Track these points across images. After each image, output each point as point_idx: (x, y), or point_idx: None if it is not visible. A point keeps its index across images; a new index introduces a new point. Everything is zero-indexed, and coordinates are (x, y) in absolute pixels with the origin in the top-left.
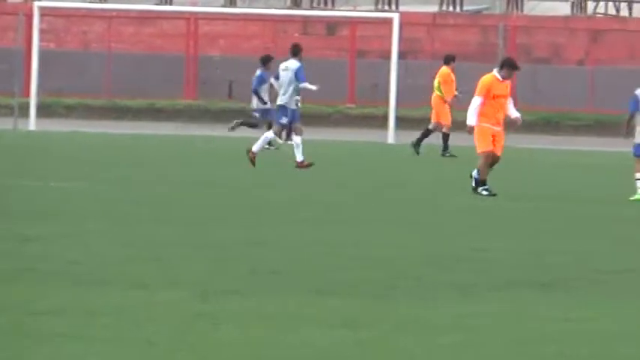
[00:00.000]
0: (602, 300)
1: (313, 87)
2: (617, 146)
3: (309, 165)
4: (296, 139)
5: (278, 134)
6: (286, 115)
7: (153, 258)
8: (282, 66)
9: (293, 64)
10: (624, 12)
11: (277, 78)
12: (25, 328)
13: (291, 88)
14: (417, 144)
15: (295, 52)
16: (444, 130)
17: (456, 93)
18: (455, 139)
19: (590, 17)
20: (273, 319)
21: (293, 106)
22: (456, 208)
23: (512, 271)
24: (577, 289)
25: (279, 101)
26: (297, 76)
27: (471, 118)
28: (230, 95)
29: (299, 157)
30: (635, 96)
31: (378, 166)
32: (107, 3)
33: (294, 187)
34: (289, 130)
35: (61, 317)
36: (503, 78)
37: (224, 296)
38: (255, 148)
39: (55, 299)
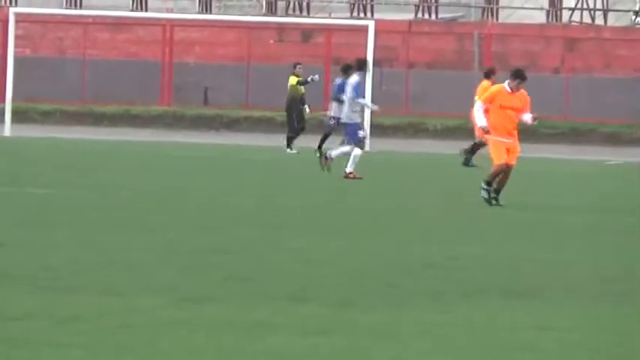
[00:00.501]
0: (578, 309)
1: (371, 106)
2: (593, 154)
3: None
4: (355, 151)
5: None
6: (361, 129)
7: (126, 264)
8: (339, 81)
9: (353, 78)
10: (599, 20)
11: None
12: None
13: (353, 102)
14: (466, 163)
15: (360, 66)
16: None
17: None
18: None
19: (565, 25)
20: (247, 326)
21: (356, 119)
22: (432, 215)
23: (485, 278)
24: (552, 298)
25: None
26: (355, 90)
27: (480, 120)
28: (205, 102)
29: (349, 168)
30: None
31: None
32: (83, 9)
33: (263, 194)
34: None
35: (36, 323)
36: (512, 89)
37: (198, 303)
38: (333, 153)
39: (28, 305)
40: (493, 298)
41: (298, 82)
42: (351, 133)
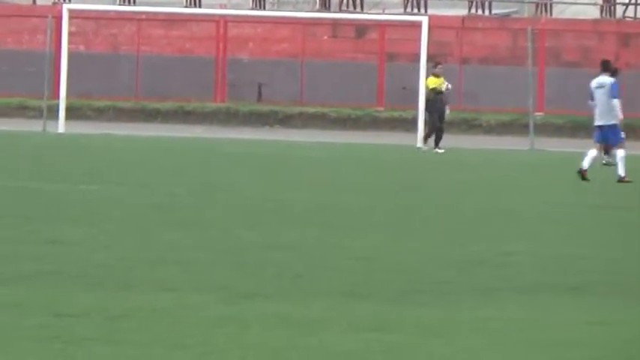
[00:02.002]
0: (629, 304)
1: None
2: None
3: (629, 181)
4: (619, 153)
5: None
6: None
7: (178, 261)
8: (595, 83)
9: (607, 79)
10: None
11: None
12: (52, 331)
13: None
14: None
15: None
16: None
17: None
18: None
19: (619, 21)
20: (299, 322)
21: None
22: (481, 211)
23: (536, 275)
24: (603, 294)
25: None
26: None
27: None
28: (259, 98)
29: (621, 172)
30: None
31: (406, 169)
32: (136, 5)
33: (312, 191)
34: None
35: (89, 320)
36: None
37: (251, 300)
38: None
39: (81, 302)
40: (544, 295)
41: (434, 90)
42: (612, 135)
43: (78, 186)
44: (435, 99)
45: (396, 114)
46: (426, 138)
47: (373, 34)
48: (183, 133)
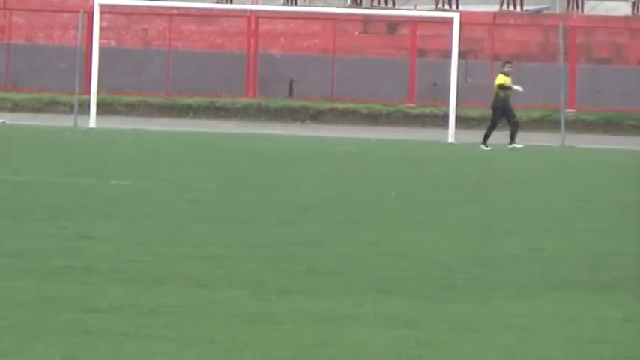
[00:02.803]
0: None
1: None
2: None
3: None
4: None
5: None
6: None
7: (210, 257)
8: None
9: None
10: None
11: None
12: (84, 326)
13: None
14: None
15: None
16: None
17: None
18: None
19: None
20: (330, 318)
21: None
22: (512, 207)
23: (568, 271)
24: (635, 291)
25: None
26: None
27: None
28: (290, 93)
29: None
30: None
31: (437, 165)
32: (168, 1)
33: (346, 186)
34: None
35: (120, 315)
36: None
37: (282, 295)
38: None
39: (113, 297)
40: (576, 291)
41: (500, 87)
42: None
43: (109, 181)
44: (504, 97)
45: (427, 110)
46: (485, 137)
47: (404, 30)
48: (214, 129)
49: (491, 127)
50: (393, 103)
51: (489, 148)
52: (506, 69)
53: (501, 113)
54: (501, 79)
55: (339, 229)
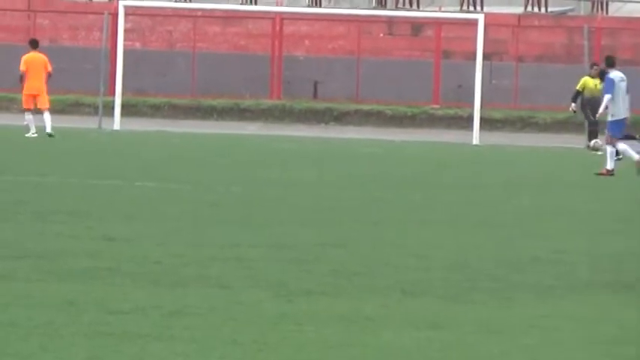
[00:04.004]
0: None
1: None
2: None
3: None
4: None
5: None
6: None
7: (233, 259)
8: (619, 77)
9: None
10: None
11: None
12: (108, 328)
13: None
14: None
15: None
16: None
17: None
18: None
19: None
20: (354, 319)
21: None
22: (536, 209)
23: (591, 272)
24: None
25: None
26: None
27: None
28: (315, 95)
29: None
30: None
31: (461, 167)
32: (192, 2)
33: (370, 188)
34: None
35: (144, 317)
36: None
37: (306, 297)
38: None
39: (137, 299)
40: (599, 292)
41: (576, 92)
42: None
43: (134, 183)
44: (591, 99)
45: (451, 112)
46: (589, 137)
47: (429, 32)
48: (239, 130)
49: (592, 125)
50: (417, 104)
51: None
52: (592, 71)
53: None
54: (588, 82)
55: (363, 230)
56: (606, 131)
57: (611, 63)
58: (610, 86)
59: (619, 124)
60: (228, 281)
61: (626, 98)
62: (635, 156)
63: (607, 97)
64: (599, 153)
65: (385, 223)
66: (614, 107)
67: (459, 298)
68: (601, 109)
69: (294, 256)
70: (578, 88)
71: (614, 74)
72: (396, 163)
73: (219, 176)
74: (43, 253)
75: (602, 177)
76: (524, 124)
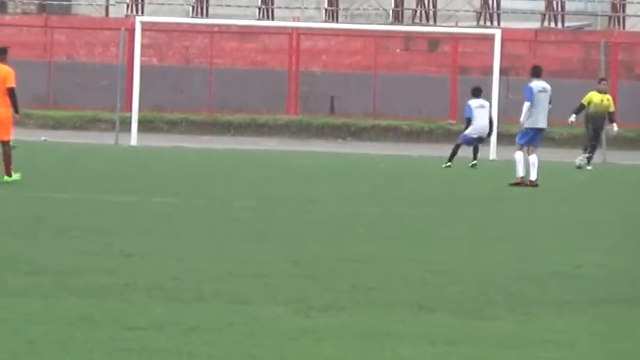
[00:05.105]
0: None
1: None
2: None
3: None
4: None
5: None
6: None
7: (252, 274)
8: (540, 87)
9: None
10: None
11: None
12: (126, 344)
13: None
14: None
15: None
16: None
17: None
18: None
19: None
20: (373, 335)
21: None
22: (552, 223)
23: (609, 287)
24: None
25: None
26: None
27: None
28: (332, 110)
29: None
30: None
31: (478, 182)
32: (209, 18)
33: (387, 203)
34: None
35: (162, 333)
36: None
37: (325, 312)
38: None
39: (154, 315)
40: (618, 307)
41: (580, 105)
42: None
43: (151, 198)
44: (594, 115)
45: None
46: (590, 150)
47: (446, 47)
48: (256, 146)
49: (594, 140)
50: (434, 120)
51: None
52: (601, 86)
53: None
54: (594, 96)
55: (380, 245)
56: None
57: (535, 73)
58: (528, 94)
59: (528, 132)
60: (246, 297)
61: (545, 109)
62: (519, 174)
63: (526, 104)
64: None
65: (402, 239)
66: (530, 116)
67: (475, 313)
68: (521, 118)
69: (311, 272)
70: (583, 101)
71: (535, 83)
72: (413, 179)
73: (237, 192)
74: (61, 269)
75: (520, 186)
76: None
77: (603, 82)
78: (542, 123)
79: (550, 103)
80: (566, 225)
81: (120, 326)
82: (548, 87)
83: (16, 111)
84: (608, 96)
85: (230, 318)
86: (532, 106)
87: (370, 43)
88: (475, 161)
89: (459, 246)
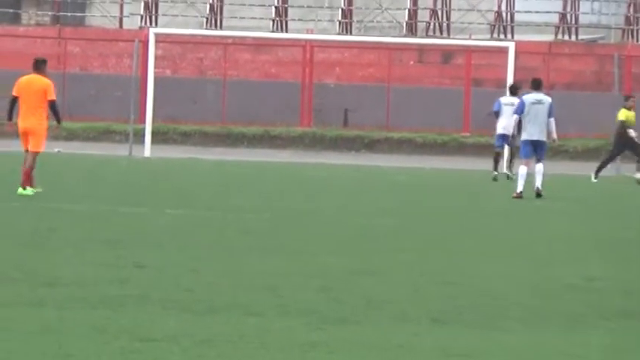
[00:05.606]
0: None
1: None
2: None
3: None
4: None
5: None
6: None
7: (264, 286)
8: (532, 99)
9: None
10: None
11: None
12: (139, 355)
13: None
14: None
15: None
16: None
17: None
18: None
19: None
20: (386, 348)
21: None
22: (567, 236)
23: (623, 300)
24: None
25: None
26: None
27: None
28: (345, 123)
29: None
30: None
31: (491, 194)
32: (223, 30)
33: (401, 215)
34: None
35: (175, 344)
36: None
37: (338, 325)
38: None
39: (167, 326)
40: (631, 321)
41: (624, 123)
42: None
43: (164, 210)
44: (624, 133)
45: (482, 140)
46: (598, 169)
47: (459, 60)
48: (269, 158)
49: (609, 160)
50: (447, 132)
51: (596, 181)
52: (629, 103)
53: (624, 146)
54: (623, 114)
55: (393, 258)
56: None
57: (533, 86)
58: (518, 108)
59: (525, 145)
60: (259, 309)
61: (541, 121)
62: (519, 188)
63: (514, 117)
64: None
65: (415, 251)
66: (524, 129)
67: (488, 326)
68: (511, 130)
69: (324, 284)
70: (622, 119)
71: (529, 96)
72: (426, 191)
73: (250, 204)
74: (74, 280)
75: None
76: (555, 152)
77: (631, 99)
78: (536, 135)
79: (551, 115)
80: (580, 238)
81: (133, 338)
82: (547, 99)
83: (59, 122)
84: (633, 112)
85: (242, 330)
86: (525, 118)
87: (384, 55)
88: (509, 172)
89: (472, 259)
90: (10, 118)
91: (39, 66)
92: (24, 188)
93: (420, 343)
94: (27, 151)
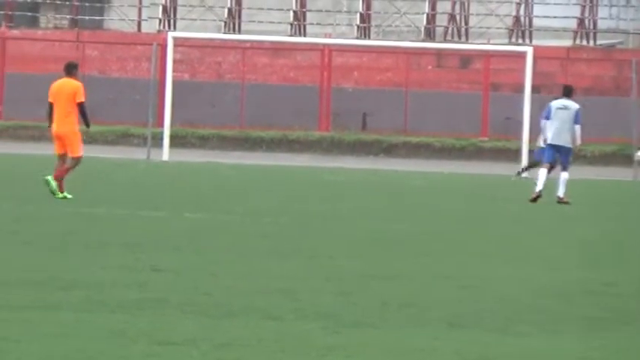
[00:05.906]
0: None
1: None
2: None
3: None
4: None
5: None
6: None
7: (282, 290)
8: (559, 105)
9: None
10: None
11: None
12: (158, 358)
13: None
14: None
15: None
16: None
17: None
18: None
19: None
20: (404, 352)
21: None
22: (584, 240)
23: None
24: None
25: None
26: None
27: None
28: (364, 127)
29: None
30: None
31: (509, 199)
32: (241, 34)
33: (416, 220)
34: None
35: (194, 348)
36: None
37: (355, 328)
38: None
39: (186, 330)
40: None
41: None
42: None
43: (183, 214)
44: None
45: (500, 144)
46: None
47: (477, 64)
48: (287, 162)
49: None
50: (465, 137)
51: None
52: None
53: None
54: None
55: (412, 262)
56: None
57: (564, 92)
58: (545, 113)
59: (549, 149)
60: (277, 313)
61: (566, 127)
62: (538, 188)
63: (542, 122)
64: None
65: (433, 255)
66: (549, 133)
67: (508, 330)
68: (540, 136)
69: (342, 288)
70: None
71: (556, 102)
72: (444, 195)
73: (268, 207)
74: (93, 283)
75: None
76: (573, 156)
77: None
78: (560, 140)
79: (577, 122)
80: (597, 242)
81: (152, 341)
82: (574, 105)
83: (87, 125)
84: None
85: (260, 334)
86: (550, 123)
87: (402, 59)
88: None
89: (490, 262)
90: (50, 124)
91: (70, 70)
92: (61, 192)
93: (437, 346)
94: (59, 155)
